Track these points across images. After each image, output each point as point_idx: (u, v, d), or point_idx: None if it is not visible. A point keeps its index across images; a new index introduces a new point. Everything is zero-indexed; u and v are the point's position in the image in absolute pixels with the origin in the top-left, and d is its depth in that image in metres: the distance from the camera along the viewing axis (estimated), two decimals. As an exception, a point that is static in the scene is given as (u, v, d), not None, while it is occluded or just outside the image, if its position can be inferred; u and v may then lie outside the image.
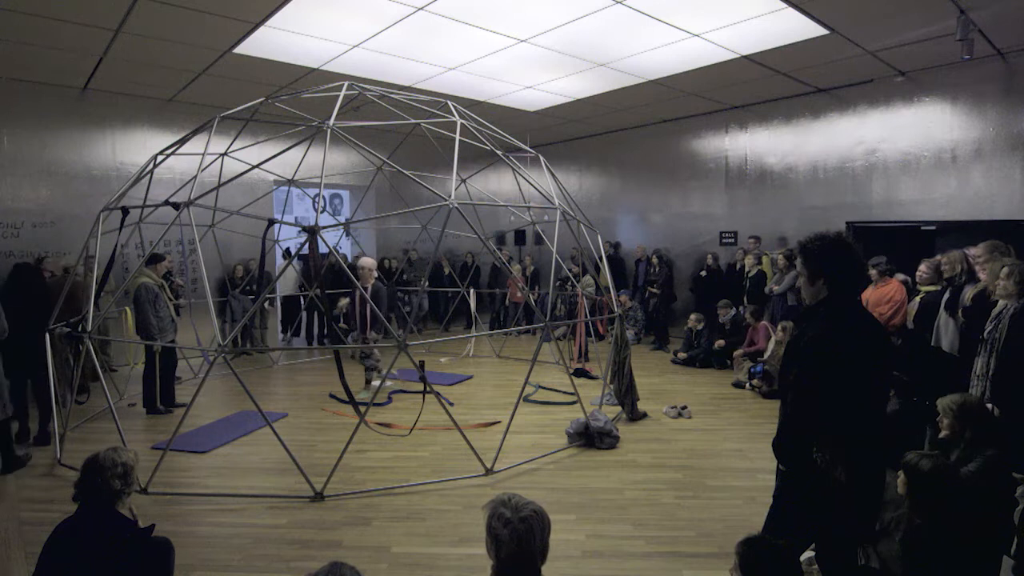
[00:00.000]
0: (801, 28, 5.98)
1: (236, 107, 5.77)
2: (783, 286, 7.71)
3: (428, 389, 4.54)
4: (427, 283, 10.65)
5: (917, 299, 5.35)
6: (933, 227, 7.49)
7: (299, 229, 4.55)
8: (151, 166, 5.66)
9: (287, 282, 10.35)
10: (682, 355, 8.35)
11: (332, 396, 6.50)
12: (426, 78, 7.79)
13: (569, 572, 3.22)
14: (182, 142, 5.75)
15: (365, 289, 6.16)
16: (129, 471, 2.51)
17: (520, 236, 12.49)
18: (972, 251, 4.54)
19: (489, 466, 4.55)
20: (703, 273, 9.46)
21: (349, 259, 11.09)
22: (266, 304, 9.32)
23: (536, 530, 1.77)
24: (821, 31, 6.04)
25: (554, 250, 5.40)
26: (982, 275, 4.30)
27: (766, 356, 6.96)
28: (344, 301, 9.50)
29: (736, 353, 7.75)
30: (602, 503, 4.05)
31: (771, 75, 7.62)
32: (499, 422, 5.64)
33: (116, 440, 4.14)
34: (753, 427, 5.65)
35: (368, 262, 6.63)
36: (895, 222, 7.78)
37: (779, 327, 7.05)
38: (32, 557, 2.86)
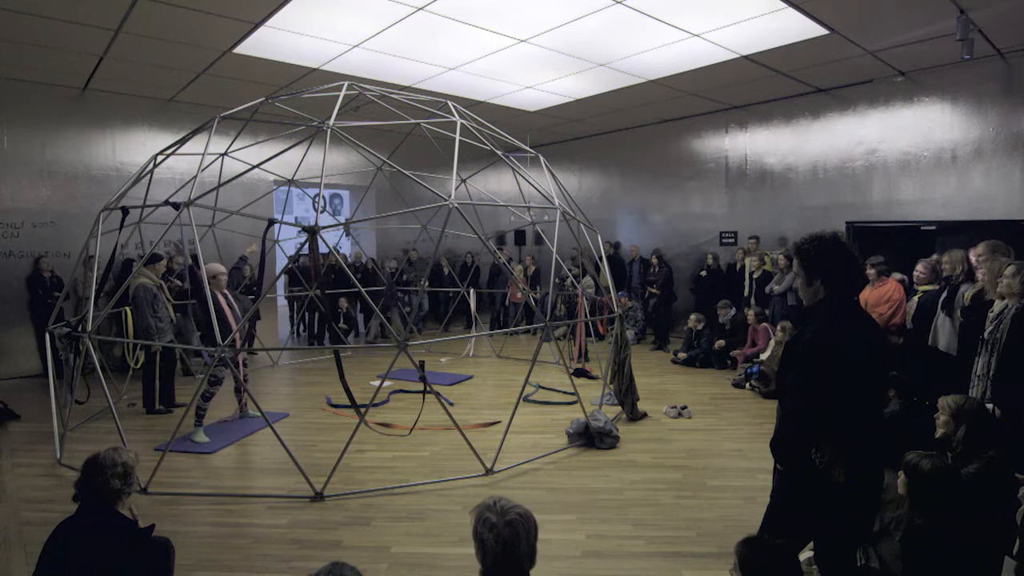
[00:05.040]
0: (801, 28, 5.98)
1: (236, 107, 5.77)
2: (783, 286, 7.71)
3: (428, 389, 4.54)
4: (427, 283, 10.65)
5: (915, 298, 5.36)
6: (933, 227, 7.49)
7: (299, 229, 4.55)
8: (151, 166, 5.66)
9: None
10: (682, 355, 8.35)
11: (330, 403, 6.48)
12: (426, 78, 7.79)
13: (569, 572, 3.22)
14: (182, 142, 5.75)
15: (224, 296, 5.50)
16: (129, 471, 2.50)
17: (520, 236, 12.49)
18: (975, 251, 4.54)
19: (489, 466, 4.55)
20: (703, 273, 9.46)
21: (349, 259, 11.12)
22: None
23: (521, 534, 1.74)
24: (821, 31, 6.04)
25: (554, 250, 5.40)
26: (979, 275, 4.30)
27: (765, 356, 6.96)
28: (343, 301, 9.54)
29: (736, 353, 7.80)
30: (602, 503, 4.05)
31: (771, 75, 7.62)
32: (499, 422, 5.64)
33: (116, 440, 4.14)
34: (753, 427, 5.65)
35: (219, 267, 5.66)
36: (895, 222, 7.78)
37: (778, 327, 7.05)
38: (32, 557, 2.86)
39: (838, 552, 2.41)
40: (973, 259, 4.56)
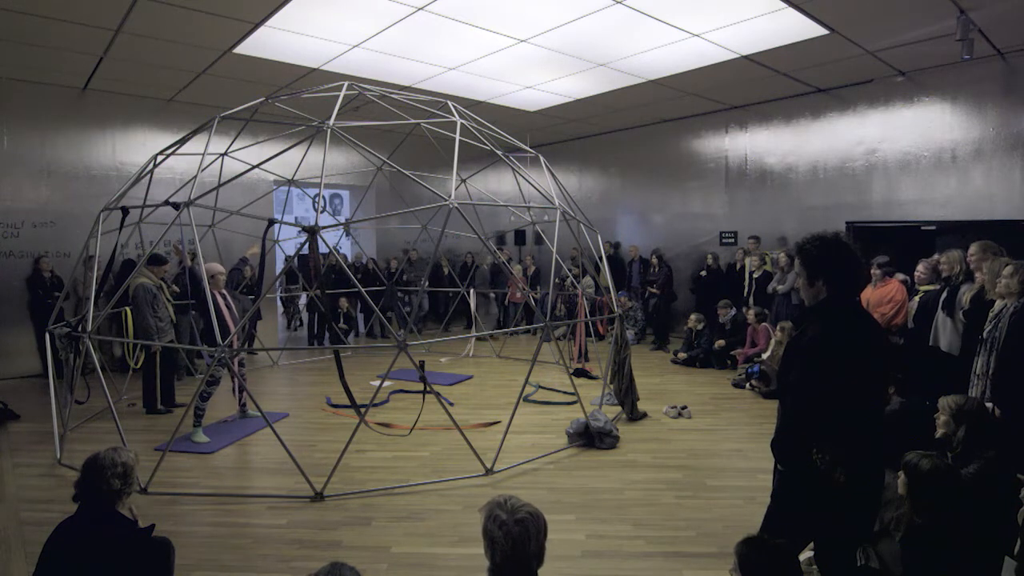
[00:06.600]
0: (801, 28, 5.98)
1: (236, 107, 5.77)
2: (787, 286, 7.69)
3: (428, 389, 4.54)
4: (427, 283, 10.65)
5: (916, 298, 5.36)
6: (933, 227, 7.49)
7: (299, 229, 4.55)
8: (151, 166, 5.66)
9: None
10: (682, 355, 8.35)
11: (330, 403, 6.47)
12: (426, 78, 7.79)
13: (569, 572, 3.22)
14: (182, 142, 5.75)
15: (222, 296, 5.49)
16: (129, 471, 2.51)
17: (520, 236, 12.48)
18: (968, 253, 4.55)
19: (489, 466, 4.55)
20: (703, 273, 9.46)
21: (349, 259, 11.12)
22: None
23: (531, 532, 1.75)
24: (821, 31, 6.04)
25: (554, 250, 5.40)
26: (978, 275, 4.31)
27: (765, 356, 6.96)
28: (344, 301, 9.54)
29: (736, 353, 7.80)
30: (602, 503, 4.05)
31: (771, 75, 7.62)
32: (499, 422, 5.64)
33: (116, 440, 4.13)
34: (753, 427, 5.65)
35: (218, 267, 5.65)
36: (895, 222, 7.77)
37: (778, 327, 7.05)
38: (32, 557, 2.86)
39: (838, 552, 2.41)
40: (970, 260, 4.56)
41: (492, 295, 10.87)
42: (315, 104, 7.00)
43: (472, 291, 9.61)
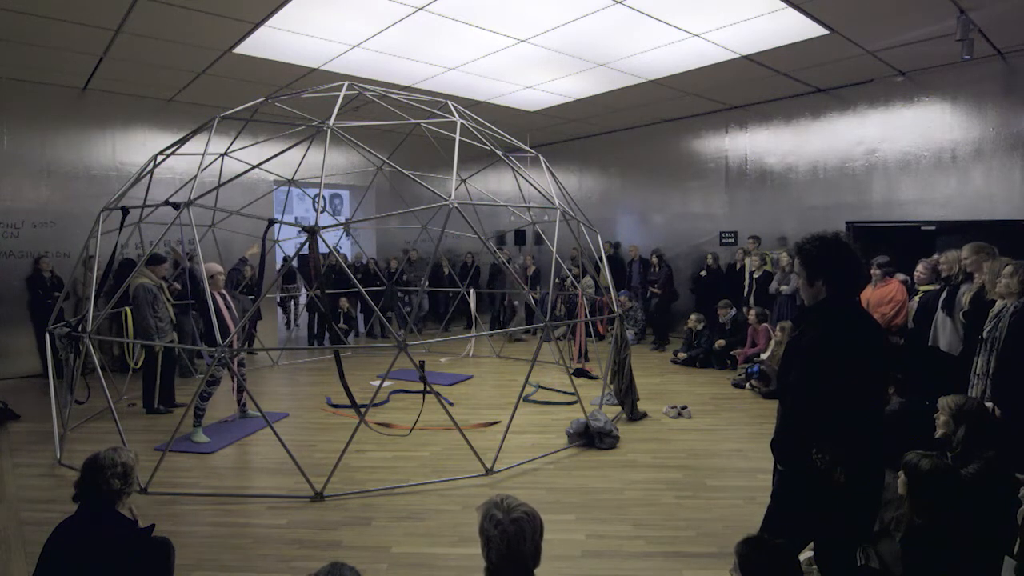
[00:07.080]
0: (801, 28, 5.98)
1: (236, 107, 5.77)
2: (791, 287, 7.67)
3: (428, 389, 4.54)
4: (427, 283, 10.65)
5: (916, 298, 5.37)
6: (933, 227, 7.48)
7: (299, 229, 4.55)
8: (151, 166, 5.66)
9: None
10: (682, 355, 8.35)
11: (330, 403, 6.47)
12: (426, 78, 7.79)
13: (568, 572, 3.22)
14: (182, 142, 5.75)
15: (222, 296, 5.49)
16: (129, 471, 2.51)
17: (520, 236, 12.48)
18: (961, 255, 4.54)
19: (489, 466, 4.55)
20: (703, 273, 9.46)
21: (349, 259, 11.11)
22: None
23: (527, 532, 1.75)
24: (821, 31, 6.04)
25: (554, 250, 5.40)
26: (977, 275, 4.31)
27: (765, 356, 6.96)
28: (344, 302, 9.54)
29: (736, 353, 7.80)
30: (602, 503, 4.05)
31: (771, 75, 7.62)
32: (499, 422, 5.64)
33: (116, 440, 4.14)
34: (753, 427, 5.65)
35: (217, 267, 5.67)
36: (895, 222, 7.77)
37: (778, 327, 7.05)
38: (32, 557, 2.86)
39: (838, 552, 2.41)
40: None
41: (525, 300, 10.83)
42: (315, 104, 7.00)
43: (472, 291, 9.61)
